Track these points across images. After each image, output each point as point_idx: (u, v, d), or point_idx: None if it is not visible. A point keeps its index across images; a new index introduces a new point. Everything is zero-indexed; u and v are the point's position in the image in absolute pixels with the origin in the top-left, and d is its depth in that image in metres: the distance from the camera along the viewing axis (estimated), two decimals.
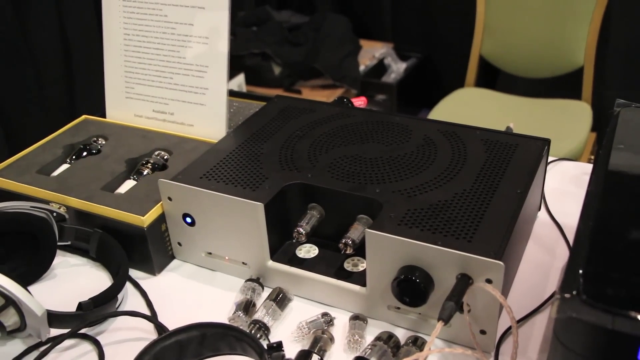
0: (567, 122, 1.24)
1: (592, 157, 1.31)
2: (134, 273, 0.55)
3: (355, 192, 0.50)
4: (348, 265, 0.51)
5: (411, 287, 0.43)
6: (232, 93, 0.73)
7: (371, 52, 1.76)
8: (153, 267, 0.55)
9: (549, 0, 1.27)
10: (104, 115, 0.70)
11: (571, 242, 0.54)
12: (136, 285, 0.53)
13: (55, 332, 0.46)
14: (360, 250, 0.48)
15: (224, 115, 0.64)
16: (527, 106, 1.34)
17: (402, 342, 0.45)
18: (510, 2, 1.32)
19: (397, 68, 1.78)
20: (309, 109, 0.64)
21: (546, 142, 0.54)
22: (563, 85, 1.37)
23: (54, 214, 0.53)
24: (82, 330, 0.48)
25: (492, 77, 1.56)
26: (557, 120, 1.26)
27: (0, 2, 1.08)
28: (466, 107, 1.35)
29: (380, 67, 1.77)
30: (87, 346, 0.47)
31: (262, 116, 0.63)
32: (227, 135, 0.61)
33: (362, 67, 1.67)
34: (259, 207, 0.48)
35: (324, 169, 0.53)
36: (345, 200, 0.50)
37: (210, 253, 0.54)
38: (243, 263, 0.53)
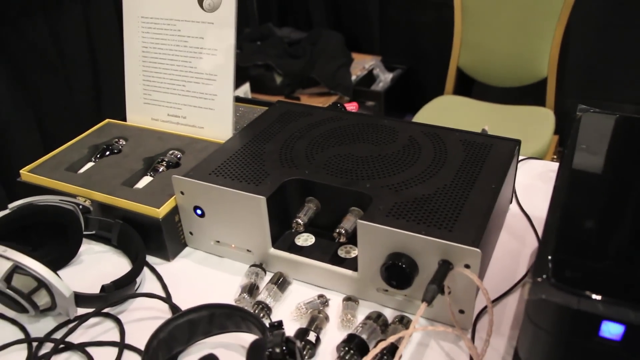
0: (533, 125, 1.25)
1: (555, 156, 1.32)
2: (150, 259, 0.55)
3: (348, 186, 0.49)
4: (341, 253, 0.51)
5: (398, 272, 0.43)
6: (238, 99, 0.72)
7: (362, 64, 1.77)
8: (167, 254, 0.54)
9: (517, 19, 1.28)
10: (124, 119, 0.69)
11: (539, 231, 0.54)
12: (153, 270, 0.53)
13: (81, 311, 0.47)
14: (352, 239, 0.48)
15: (230, 118, 0.63)
16: (499, 112, 1.34)
17: (390, 320, 0.45)
18: (484, 21, 1.33)
19: (385, 78, 1.78)
20: (307, 112, 0.64)
21: (517, 143, 0.54)
22: (530, 94, 1.38)
23: (80, 207, 0.53)
24: (105, 310, 0.48)
25: (468, 86, 1.56)
26: (524, 124, 1.26)
27: (34, 16, 1.07)
28: (446, 112, 1.35)
29: (369, 77, 1.77)
30: (109, 324, 0.48)
31: (265, 119, 0.62)
32: (233, 136, 0.61)
33: (353, 77, 1.68)
34: (262, 200, 0.48)
35: (320, 166, 0.53)
36: (339, 194, 0.50)
37: (218, 241, 0.54)
38: (247, 250, 0.53)
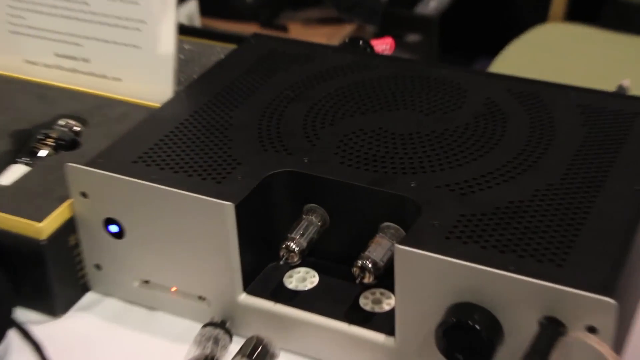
0: None
1: None
2: (23, 314, 0.54)
3: (377, 186, 0.50)
4: (366, 302, 0.51)
5: (468, 338, 0.43)
6: (182, 29, 0.71)
7: None
8: (53, 305, 0.55)
9: None
10: None
11: None
12: (26, 334, 0.52)
13: None
14: (385, 278, 0.48)
15: (170, 63, 0.64)
16: None
17: None
18: None
19: None
20: (305, 55, 0.64)
21: None
22: None
23: None
24: None
25: (593, 6, 1.53)
26: None
27: None
28: (551, 53, 1.33)
29: None
30: None
31: (231, 67, 0.63)
32: (175, 96, 0.62)
33: None
34: (227, 209, 0.48)
35: (328, 151, 0.53)
36: (363, 199, 0.50)
37: (147, 281, 0.54)
38: (200, 297, 0.53)
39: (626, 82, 0.59)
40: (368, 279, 0.48)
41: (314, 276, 0.53)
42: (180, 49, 0.70)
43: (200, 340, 0.51)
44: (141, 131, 0.56)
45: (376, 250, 0.49)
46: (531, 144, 0.53)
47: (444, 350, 0.45)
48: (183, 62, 0.70)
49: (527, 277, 0.41)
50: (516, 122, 0.56)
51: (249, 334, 0.51)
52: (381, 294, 0.52)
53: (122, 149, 0.54)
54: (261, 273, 0.54)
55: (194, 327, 0.53)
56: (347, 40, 0.68)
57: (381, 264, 0.48)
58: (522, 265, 0.43)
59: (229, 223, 0.49)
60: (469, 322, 0.43)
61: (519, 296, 0.42)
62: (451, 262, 0.43)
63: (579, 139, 0.54)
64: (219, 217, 0.49)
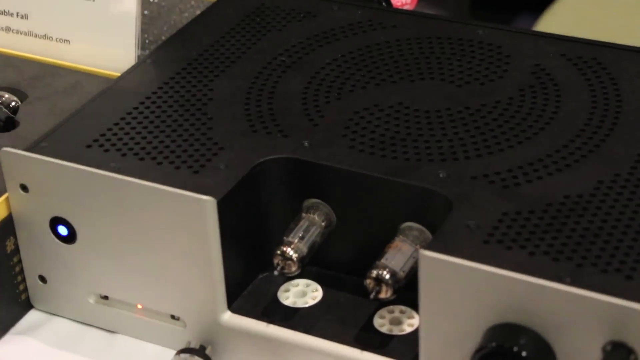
0: None
1: None
2: None
3: (397, 177, 0.50)
4: (383, 323, 0.51)
5: None
6: None
7: None
8: None
9: None
10: None
11: None
12: None
13: None
14: (407, 292, 0.48)
15: (132, 21, 0.64)
16: None
17: None
18: None
19: None
20: (305, 11, 0.64)
21: None
22: None
23: None
24: None
25: None
26: None
27: None
28: (616, 7, 1.32)
29: None
30: None
31: (210, 25, 0.63)
32: (140, 61, 0.62)
33: None
34: (207, 205, 0.48)
35: (335, 132, 0.54)
36: (378, 193, 0.51)
37: (105, 297, 0.55)
38: (173, 317, 0.53)
39: None
40: (385, 294, 0.48)
41: (316, 290, 0.54)
42: (144, 2, 0.70)
43: None
44: (96, 107, 0.56)
45: (395, 258, 0.49)
46: (592, 123, 0.53)
47: None
48: (148, 20, 0.71)
49: (588, 292, 0.41)
50: (573, 94, 0.56)
51: None
52: (401, 312, 0.52)
53: (73, 130, 0.54)
54: (250, 286, 0.54)
55: (166, 355, 0.53)
56: None
57: (401, 274, 0.49)
58: (581, 276, 0.43)
59: (210, 223, 0.49)
60: (514, 347, 0.43)
61: (577, 316, 0.42)
62: (491, 272, 0.43)
63: None
64: (196, 215, 0.49)
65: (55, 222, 0.53)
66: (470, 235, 0.46)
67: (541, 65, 0.59)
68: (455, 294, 0.44)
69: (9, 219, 0.54)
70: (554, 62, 0.59)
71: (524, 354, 0.42)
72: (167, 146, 0.53)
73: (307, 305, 0.53)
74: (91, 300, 0.55)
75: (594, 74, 0.58)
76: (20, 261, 0.56)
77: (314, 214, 0.52)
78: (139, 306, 0.54)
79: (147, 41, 0.67)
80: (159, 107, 0.56)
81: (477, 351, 0.44)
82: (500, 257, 0.44)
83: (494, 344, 0.43)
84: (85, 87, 0.63)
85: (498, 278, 0.43)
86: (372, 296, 0.48)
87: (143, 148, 0.53)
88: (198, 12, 0.67)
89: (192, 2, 0.73)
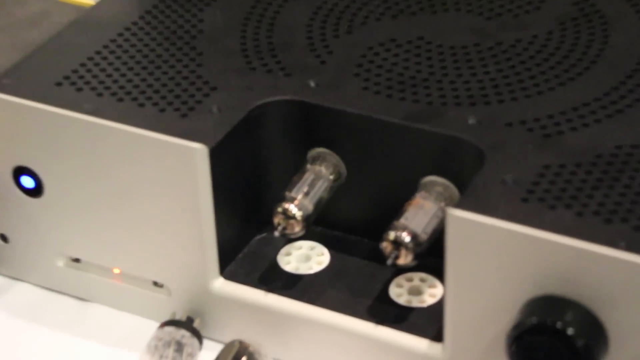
0: None
1: None
2: None
3: (418, 123, 0.49)
4: (400, 293, 0.51)
5: (554, 348, 0.42)
6: None
7: None
8: None
9: None
10: None
11: None
12: None
13: None
14: (428, 258, 0.48)
15: None
16: None
17: None
18: None
19: None
20: None
21: None
22: None
23: None
24: None
25: None
26: None
27: None
28: None
29: None
30: None
31: None
32: None
33: None
34: (197, 154, 0.48)
35: (345, 71, 0.53)
36: (396, 142, 0.50)
37: (76, 260, 0.54)
38: (156, 284, 0.53)
39: None
40: (404, 259, 0.47)
41: (322, 254, 0.53)
42: None
43: (157, 346, 0.50)
44: (67, 39, 0.56)
45: (416, 217, 0.48)
46: None
47: None
48: None
49: None
50: (622, 28, 0.55)
51: (228, 338, 0.50)
52: (422, 280, 0.51)
53: (40, 65, 0.54)
54: (245, 249, 0.54)
55: (147, 327, 0.52)
56: None
57: (423, 236, 0.47)
58: (638, 240, 0.41)
59: (200, 175, 0.48)
60: (557, 324, 0.41)
61: (633, 287, 0.41)
62: (531, 235, 0.42)
63: None
64: (184, 165, 0.48)
65: (19, 172, 0.53)
66: (507, 192, 0.44)
67: None
68: (488, 260, 0.44)
69: None
70: None
71: (569, 331, 0.41)
72: (150, 85, 0.52)
73: (311, 272, 0.52)
74: (60, 264, 0.55)
75: None
76: None
77: (320, 165, 0.52)
78: (116, 271, 0.54)
79: None
80: (140, 39, 0.56)
81: (514, 328, 0.42)
82: (542, 218, 0.43)
83: (534, 320, 0.42)
84: (53, 16, 0.63)
85: (539, 242, 0.42)
86: (389, 262, 0.47)
87: (122, 87, 0.52)
88: None
89: None
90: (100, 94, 0.51)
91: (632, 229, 0.41)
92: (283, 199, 0.49)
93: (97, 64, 0.53)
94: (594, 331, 0.41)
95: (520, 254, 0.42)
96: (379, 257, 0.48)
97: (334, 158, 0.51)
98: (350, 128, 0.51)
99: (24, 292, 0.56)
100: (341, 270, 0.52)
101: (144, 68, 0.53)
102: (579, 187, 0.44)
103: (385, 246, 0.47)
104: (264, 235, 0.54)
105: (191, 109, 0.50)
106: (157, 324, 0.51)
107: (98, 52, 0.54)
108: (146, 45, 0.55)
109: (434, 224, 0.47)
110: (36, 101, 0.50)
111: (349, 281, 0.51)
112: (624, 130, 0.48)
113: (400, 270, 0.50)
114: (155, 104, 0.51)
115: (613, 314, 0.41)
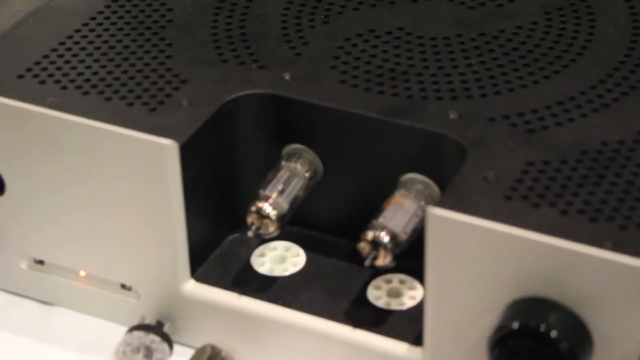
0: None
1: None
2: None
3: (397, 118, 0.49)
4: (379, 295, 0.50)
5: (537, 352, 0.41)
6: None
7: None
8: None
9: None
10: None
11: None
12: None
13: None
14: (408, 258, 0.47)
15: None
16: None
17: None
18: None
19: None
20: None
21: None
22: None
23: None
24: None
25: None
26: None
27: None
28: None
29: None
30: None
31: None
32: None
33: None
34: (167, 150, 0.47)
35: (321, 63, 0.53)
36: (375, 137, 0.50)
37: (40, 262, 0.54)
38: (123, 286, 0.52)
39: None
40: (383, 260, 0.47)
41: (297, 255, 0.53)
42: None
43: (125, 352, 0.50)
44: (29, 29, 0.56)
45: (395, 217, 0.48)
46: (634, 54, 0.53)
47: None
48: None
49: (633, 259, 0.40)
50: (610, 17, 0.55)
51: (200, 342, 0.51)
52: (401, 282, 0.51)
53: (0, 57, 0.54)
54: (217, 249, 0.54)
55: (115, 332, 0.52)
56: None
57: (403, 236, 0.47)
58: (624, 240, 0.41)
59: (170, 172, 0.47)
60: (541, 327, 0.41)
61: (618, 288, 0.41)
62: (514, 234, 0.41)
63: None
64: (153, 162, 0.48)
65: None
66: (489, 190, 0.44)
67: None
68: (470, 260, 0.43)
69: None
70: None
71: (553, 334, 0.41)
72: (117, 78, 0.52)
73: (286, 273, 0.52)
74: (23, 266, 0.54)
75: None
76: None
77: (296, 162, 0.51)
78: (82, 273, 0.53)
79: None
80: (106, 29, 0.55)
81: (497, 331, 0.42)
82: (525, 216, 0.43)
83: (516, 323, 0.42)
84: (13, 3, 0.63)
85: (522, 242, 0.42)
86: (367, 263, 0.47)
87: (87, 80, 0.52)
88: None
89: None
90: (64, 87, 0.51)
91: (618, 228, 0.41)
92: (257, 198, 0.49)
93: (61, 56, 0.53)
94: (578, 334, 0.41)
95: (502, 254, 0.42)
96: (357, 258, 0.47)
97: (309, 154, 0.51)
98: (326, 123, 0.51)
99: None
100: (317, 272, 0.52)
101: (111, 60, 0.53)
102: (564, 184, 0.44)
103: (363, 246, 0.46)
104: (237, 235, 0.54)
105: (160, 102, 0.50)
106: (126, 329, 0.51)
107: (62, 43, 0.54)
108: (113, 35, 0.55)
109: (413, 223, 0.47)
110: None
111: (326, 283, 0.51)
112: (610, 125, 0.48)
113: (379, 272, 0.50)
114: (123, 97, 0.50)
115: (598, 316, 0.41)
